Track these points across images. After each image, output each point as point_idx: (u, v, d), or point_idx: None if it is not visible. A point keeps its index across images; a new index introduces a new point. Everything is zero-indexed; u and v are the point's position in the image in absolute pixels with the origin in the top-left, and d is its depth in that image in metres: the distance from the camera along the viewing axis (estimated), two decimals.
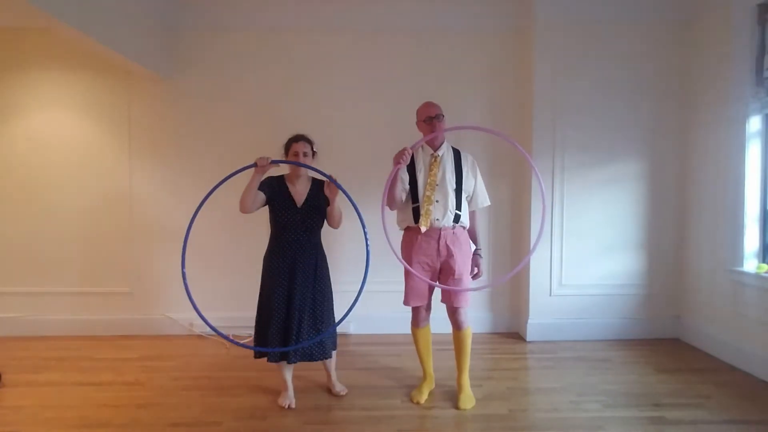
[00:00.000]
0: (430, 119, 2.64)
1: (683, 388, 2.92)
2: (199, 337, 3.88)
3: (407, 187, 2.67)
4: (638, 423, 2.51)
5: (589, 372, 3.18)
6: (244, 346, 2.77)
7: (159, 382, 3.03)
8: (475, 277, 2.75)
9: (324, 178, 2.60)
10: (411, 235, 2.71)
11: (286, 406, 2.66)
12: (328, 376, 2.87)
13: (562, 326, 3.79)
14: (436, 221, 2.62)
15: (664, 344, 3.70)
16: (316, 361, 2.73)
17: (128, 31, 3.30)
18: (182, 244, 2.45)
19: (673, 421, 2.52)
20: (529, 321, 3.80)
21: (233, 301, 3.89)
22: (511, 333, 3.99)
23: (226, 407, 2.69)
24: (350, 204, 2.53)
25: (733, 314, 3.29)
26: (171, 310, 3.92)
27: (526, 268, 3.82)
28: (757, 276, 3.09)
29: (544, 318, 3.79)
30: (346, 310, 2.56)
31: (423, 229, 2.61)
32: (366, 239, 2.51)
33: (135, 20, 3.40)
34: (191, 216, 2.46)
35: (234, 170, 2.54)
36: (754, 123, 3.20)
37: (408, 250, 2.72)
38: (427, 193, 2.62)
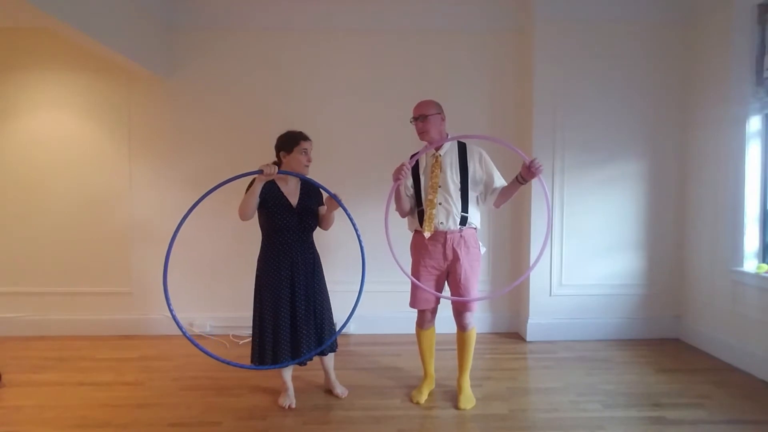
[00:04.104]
0: (413, 120, 2.61)
1: (683, 388, 2.92)
2: (199, 337, 3.88)
3: (411, 191, 2.65)
4: (638, 423, 2.51)
5: (589, 372, 3.18)
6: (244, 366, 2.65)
7: (159, 382, 3.03)
8: (537, 171, 2.38)
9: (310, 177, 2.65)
10: (419, 238, 2.67)
11: (287, 407, 2.66)
12: (327, 377, 2.86)
13: (562, 326, 3.79)
14: (440, 225, 2.57)
15: (664, 344, 3.70)
16: (325, 355, 2.76)
17: (128, 31, 3.31)
18: (167, 252, 2.42)
19: (673, 421, 2.52)
20: (529, 321, 3.80)
21: (231, 302, 3.89)
22: (511, 333, 3.99)
23: (226, 407, 2.69)
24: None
25: (733, 314, 3.29)
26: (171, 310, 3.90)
27: (526, 268, 3.81)
28: (757, 276, 3.09)
29: (544, 318, 3.79)
30: (346, 317, 2.55)
31: (427, 234, 2.56)
32: (362, 252, 2.46)
33: (135, 20, 3.40)
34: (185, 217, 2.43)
35: (233, 173, 2.48)
36: (754, 123, 3.20)
37: (416, 254, 2.69)
38: (429, 197, 2.55)
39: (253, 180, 2.51)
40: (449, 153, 2.62)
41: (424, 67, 3.90)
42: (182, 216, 2.42)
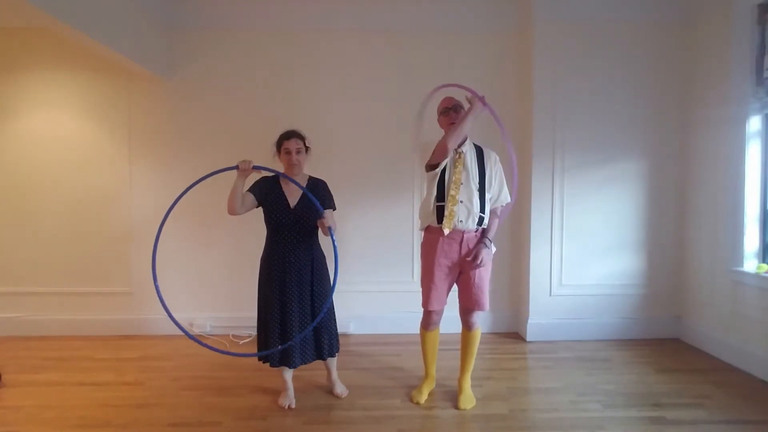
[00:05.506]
0: (446, 110, 2.61)
1: (683, 388, 2.92)
2: (199, 337, 3.87)
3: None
4: (638, 423, 2.51)
5: (589, 372, 3.18)
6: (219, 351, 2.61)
7: (159, 382, 3.03)
8: (474, 267, 2.57)
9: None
10: (432, 236, 2.62)
11: (286, 407, 2.66)
12: (329, 376, 2.86)
13: (562, 326, 3.79)
14: (459, 223, 2.54)
15: (664, 344, 3.70)
16: (324, 359, 2.74)
17: (128, 31, 3.30)
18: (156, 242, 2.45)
19: (673, 421, 2.52)
20: (529, 321, 3.80)
21: (231, 302, 3.90)
22: (511, 333, 3.99)
23: (226, 407, 2.69)
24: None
25: (733, 314, 3.29)
26: (171, 310, 3.90)
27: (526, 268, 3.82)
28: (757, 276, 3.09)
29: (544, 318, 3.79)
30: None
31: (446, 231, 2.53)
32: (336, 260, 2.44)
33: (135, 20, 3.40)
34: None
35: (214, 170, 2.52)
36: (754, 123, 3.20)
37: (430, 253, 2.63)
38: (452, 193, 2.52)
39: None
40: (469, 152, 2.61)
41: (424, 67, 3.89)
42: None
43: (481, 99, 2.48)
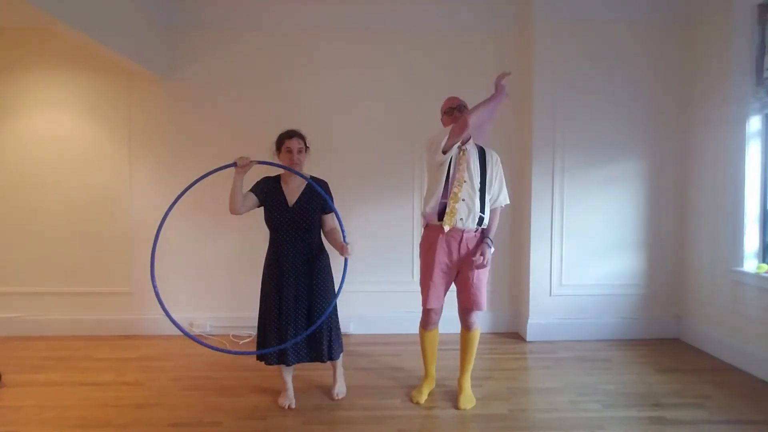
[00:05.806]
0: (450, 110, 2.64)
1: (683, 388, 2.92)
2: (199, 337, 3.87)
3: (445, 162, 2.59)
4: (638, 423, 2.51)
5: (589, 372, 3.18)
6: (213, 348, 2.61)
7: (159, 382, 3.03)
8: (478, 266, 2.59)
9: (318, 177, 2.72)
10: (432, 234, 2.63)
11: (286, 407, 2.66)
12: (334, 376, 2.85)
13: (562, 326, 3.79)
14: (460, 221, 2.55)
15: (664, 344, 3.70)
16: (323, 362, 2.71)
17: (128, 31, 3.31)
18: (155, 243, 2.46)
19: (673, 421, 2.52)
20: (529, 321, 3.80)
21: (231, 302, 3.90)
22: (511, 333, 3.99)
23: (226, 407, 2.69)
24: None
25: (733, 314, 3.29)
26: (171, 310, 3.88)
27: (526, 268, 3.82)
28: (757, 276, 3.09)
29: (544, 318, 3.79)
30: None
31: (446, 228, 2.54)
32: (343, 277, 2.52)
33: (135, 20, 3.40)
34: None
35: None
36: (754, 123, 3.20)
37: (429, 251, 2.64)
38: (455, 190, 2.53)
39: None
40: (471, 151, 2.61)
41: (424, 67, 3.90)
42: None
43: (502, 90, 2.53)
